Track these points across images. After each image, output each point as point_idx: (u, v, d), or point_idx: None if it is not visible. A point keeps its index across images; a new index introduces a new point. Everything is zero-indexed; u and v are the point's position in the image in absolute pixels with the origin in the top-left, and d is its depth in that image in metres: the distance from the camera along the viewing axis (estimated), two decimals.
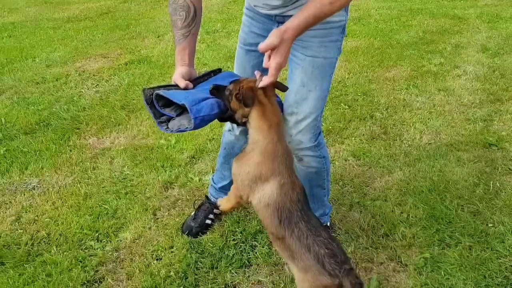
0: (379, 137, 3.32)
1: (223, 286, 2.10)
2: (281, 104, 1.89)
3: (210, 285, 2.10)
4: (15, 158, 3.16)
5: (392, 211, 2.54)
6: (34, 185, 2.87)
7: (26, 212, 2.62)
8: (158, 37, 5.92)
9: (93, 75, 4.71)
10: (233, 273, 2.17)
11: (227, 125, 2.23)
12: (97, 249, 2.34)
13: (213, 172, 2.58)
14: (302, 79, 1.87)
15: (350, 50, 5.07)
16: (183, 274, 2.16)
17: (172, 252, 2.31)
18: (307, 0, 1.56)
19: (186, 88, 1.73)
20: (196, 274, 2.16)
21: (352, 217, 2.51)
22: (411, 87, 4.14)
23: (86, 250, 2.33)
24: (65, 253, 2.31)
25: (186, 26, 1.84)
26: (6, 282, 2.13)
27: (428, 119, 3.56)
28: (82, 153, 3.22)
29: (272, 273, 2.17)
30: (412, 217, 2.49)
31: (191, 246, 2.33)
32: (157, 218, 2.55)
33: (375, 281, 2.08)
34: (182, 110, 1.67)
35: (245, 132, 1.97)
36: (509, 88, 4.06)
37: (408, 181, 2.79)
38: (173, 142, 3.27)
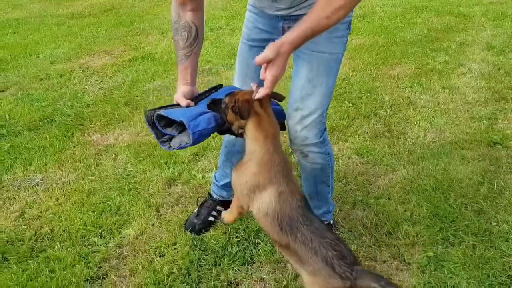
0: (383, 135, 3.31)
1: (225, 283, 2.10)
2: (282, 112, 1.90)
3: (213, 282, 2.10)
4: (19, 154, 3.17)
5: (396, 209, 2.53)
6: (38, 181, 2.88)
7: (29, 208, 2.63)
8: (162, 34, 5.92)
9: (97, 71, 4.71)
10: (236, 270, 2.17)
11: None
12: (100, 245, 2.34)
13: (216, 170, 2.57)
14: (308, 75, 1.87)
15: (354, 48, 5.05)
16: (186, 271, 2.17)
17: (175, 248, 2.31)
18: (313, 1, 1.56)
19: (187, 107, 1.77)
20: (199, 271, 2.17)
21: (355, 215, 2.50)
22: (415, 85, 4.13)
23: (90, 246, 2.34)
24: (68, 249, 2.31)
25: (188, 46, 1.88)
26: (10, 278, 2.13)
27: (433, 117, 3.55)
28: (86, 150, 3.22)
29: (275, 271, 2.16)
30: (415, 215, 2.48)
31: (194, 243, 2.33)
32: (160, 215, 2.56)
33: None
34: (182, 128, 1.70)
35: None
36: None
37: (412, 179, 2.78)
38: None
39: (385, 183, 2.77)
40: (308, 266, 1.57)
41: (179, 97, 1.83)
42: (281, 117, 1.89)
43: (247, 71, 2.05)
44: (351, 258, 1.55)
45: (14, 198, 2.73)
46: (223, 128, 1.75)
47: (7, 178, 2.92)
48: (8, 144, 3.29)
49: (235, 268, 2.18)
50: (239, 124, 1.69)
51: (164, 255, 2.27)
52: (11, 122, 3.63)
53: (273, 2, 1.85)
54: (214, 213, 2.48)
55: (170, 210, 2.59)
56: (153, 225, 2.48)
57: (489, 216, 2.46)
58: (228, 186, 2.45)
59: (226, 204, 2.51)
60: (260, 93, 1.59)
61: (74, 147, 3.27)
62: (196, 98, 1.86)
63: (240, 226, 2.42)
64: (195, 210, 2.51)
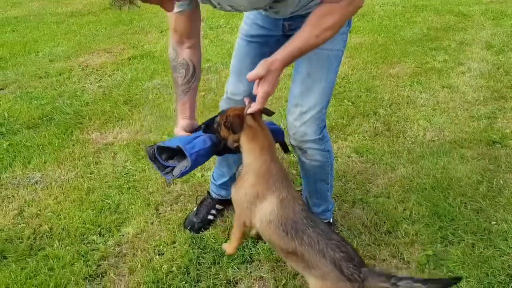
0: (383, 134, 3.31)
1: (225, 281, 2.10)
2: (280, 131, 1.95)
3: (212, 281, 2.10)
4: (18, 153, 3.16)
5: (395, 208, 2.53)
6: (37, 180, 2.88)
7: (28, 206, 2.63)
8: (161, 32, 5.91)
9: (96, 70, 4.71)
10: (235, 269, 2.17)
11: None
12: (99, 243, 2.34)
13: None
14: (308, 71, 1.87)
15: (354, 47, 5.05)
16: (185, 269, 2.16)
17: (174, 247, 2.31)
18: (311, 6, 1.57)
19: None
20: (198, 270, 2.17)
21: (355, 214, 2.50)
22: (415, 83, 4.13)
23: (89, 245, 2.34)
24: (67, 248, 2.31)
25: (186, 82, 1.92)
26: (9, 276, 2.13)
27: (432, 116, 3.54)
28: (85, 148, 3.22)
29: (274, 269, 2.16)
30: (415, 214, 2.48)
31: (193, 242, 2.33)
32: (160, 213, 2.55)
33: None
34: (183, 157, 1.75)
35: None
36: None
37: (411, 178, 2.78)
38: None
39: (384, 182, 2.77)
40: (316, 270, 1.55)
41: (179, 130, 1.89)
42: (279, 136, 1.92)
43: (242, 67, 2.05)
44: (357, 259, 1.54)
45: (13, 196, 2.73)
46: (219, 147, 1.81)
47: (6, 177, 2.91)
48: (7, 142, 3.28)
49: (234, 266, 2.18)
50: (233, 139, 1.74)
51: (163, 254, 2.27)
52: (10, 120, 3.62)
53: (274, 14, 1.86)
54: (213, 211, 2.48)
55: (169, 209, 2.59)
56: (152, 223, 2.47)
57: (488, 215, 2.46)
58: (226, 185, 2.45)
59: (225, 202, 2.51)
60: (252, 108, 1.65)
61: (73, 145, 3.26)
62: (195, 131, 1.91)
63: None
64: (194, 208, 2.51)
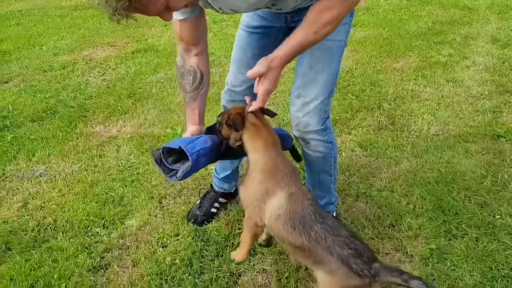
0: (387, 128, 3.30)
1: (228, 274, 2.11)
2: (288, 137, 1.96)
3: (215, 273, 2.10)
4: (22, 145, 3.17)
5: (399, 202, 2.52)
6: (41, 172, 2.89)
7: (33, 199, 2.64)
8: (165, 26, 5.89)
9: (100, 63, 4.71)
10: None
11: None
12: (103, 236, 2.35)
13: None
14: (309, 62, 1.87)
15: (358, 40, 5.02)
16: (188, 262, 2.17)
17: (177, 239, 2.31)
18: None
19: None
20: (201, 262, 2.17)
21: (358, 208, 2.50)
22: (419, 77, 4.11)
23: (92, 237, 2.35)
24: (71, 240, 2.32)
25: (194, 89, 1.94)
26: (13, 268, 2.14)
27: (436, 110, 3.53)
28: (89, 141, 3.22)
29: (277, 262, 2.17)
30: (418, 208, 2.47)
31: (196, 234, 2.33)
32: (163, 206, 2.56)
33: None
34: (187, 160, 1.76)
35: None
36: None
37: (415, 172, 2.77)
38: (179, 131, 3.27)
39: (388, 175, 2.76)
40: (325, 265, 1.55)
41: (187, 136, 1.91)
42: (288, 143, 1.92)
43: (242, 58, 2.05)
44: (368, 254, 1.53)
45: (17, 188, 2.74)
46: (221, 148, 1.82)
47: (10, 169, 2.92)
48: (11, 135, 3.30)
49: None
50: (235, 137, 1.76)
51: (166, 246, 2.27)
52: (14, 113, 3.63)
53: (276, 11, 1.85)
54: (216, 204, 2.48)
55: (172, 202, 2.59)
56: (155, 216, 2.48)
57: (492, 209, 2.45)
58: (228, 179, 2.45)
59: (228, 196, 2.51)
60: (253, 106, 1.66)
61: (77, 138, 3.27)
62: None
63: (242, 218, 2.41)
64: (198, 201, 2.51)
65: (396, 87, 3.92)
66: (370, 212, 2.45)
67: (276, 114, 1.88)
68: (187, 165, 1.72)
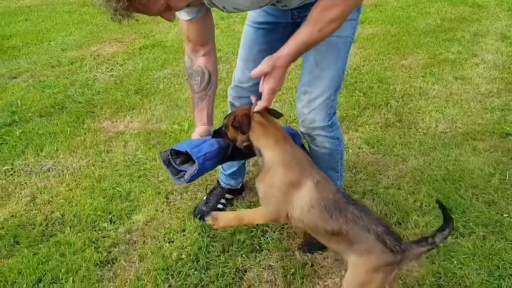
0: (394, 125, 3.28)
1: (234, 269, 2.11)
2: (297, 135, 1.95)
3: (221, 269, 2.11)
4: (30, 140, 3.19)
5: (405, 199, 2.52)
6: (49, 167, 2.90)
7: (40, 193, 2.66)
8: (173, 22, 5.89)
9: (108, 59, 4.73)
10: (244, 258, 2.18)
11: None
12: (110, 230, 2.36)
13: None
14: (315, 58, 1.86)
15: (366, 37, 5.00)
16: (194, 257, 2.18)
17: (184, 235, 2.32)
18: None
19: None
20: (207, 258, 2.18)
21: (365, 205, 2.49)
22: (427, 75, 4.08)
23: (100, 232, 2.36)
24: (78, 234, 2.33)
25: (202, 90, 1.95)
26: (21, 261, 2.16)
27: (444, 107, 3.51)
28: (97, 136, 3.24)
29: (283, 258, 2.17)
30: (425, 205, 2.46)
31: (203, 230, 2.34)
32: (170, 202, 2.57)
33: None
34: (194, 162, 1.77)
35: None
36: None
37: (423, 169, 2.76)
38: (186, 127, 3.28)
39: (395, 173, 2.75)
40: (361, 245, 1.56)
41: (196, 136, 1.92)
42: (297, 142, 1.92)
43: (249, 54, 2.05)
44: (395, 233, 1.59)
45: (26, 183, 2.76)
46: (228, 151, 1.82)
47: (19, 164, 2.95)
48: (20, 130, 3.32)
49: (243, 255, 2.19)
50: (241, 139, 1.76)
51: (173, 241, 2.28)
52: (23, 109, 3.65)
53: (282, 7, 1.85)
54: (222, 201, 2.49)
55: (179, 197, 2.60)
56: (162, 211, 2.49)
57: (500, 207, 2.44)
58: (235, 175, 2.46)
59: (234, 192, 2.52)
60: (259, 106, 1.66)
61: (85, 133, 3.29)
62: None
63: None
64: (204, 197, 2.52)
65: (404, 84, 3.90)
66: (377, 210, 2.44)
67: (282, 115, 1.87)
68: (193, 168, 1.73)
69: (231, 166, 2.44)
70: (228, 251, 2.21)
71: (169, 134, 3.22)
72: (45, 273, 2.10)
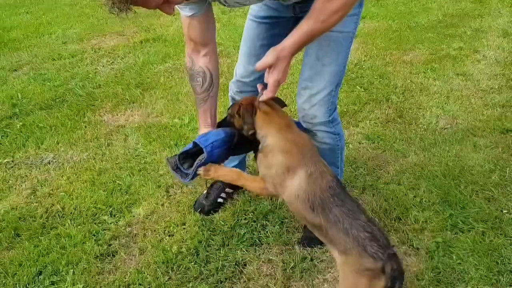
0: (395, 121, 3.28)
1: (233, 263, 2.12)
2: (299, 125, 1.95)
3: (221, 262, 2.12)
4: (31, 133, 3.19)
5: (405, 194, 2.52)
6: (50, 160, 2.91)
7: (41, 186, 2.66)
8: (174, 15, 5.87)
9: (109, 52, 4.72)
10: (243, 251, 2.18)
11: None
12: (110, 223, 2.37)
13: None
14: (317, 53, 1.86)
15: (367, 32, 4.99)
16: (194, 251, 2.19)
17: (184, 228, 2.33)
18: None
19: None
20: (207, 251, 2.19)
21: (365, 200, 2.50)
22: (428, 70, 4.07)
23: (100, 224, 2.37)
24: (79, 227, 2.34)
25: (204, 91, 1.96)
26: (22, 253, 2.17)
27: (445, 103, 3.50)
28: (97, 130, 3.24)
29: (283, 252, 2.17)
30: (425, 201, 2.46)
31: (203, 224, 2.35)
32: (170, 195, 2.57)
33: None
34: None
35: None
36: None
37: (423, 165, 2.76)
38: (187, 121, 3.28)
39: (395, 168, 2.75)
40: (339, 246, 1.57)
41: None
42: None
43: (251, 48, 2.05)
44: (383, 241, 1.54)
45: (26, 176, 2.77)
46: (234, 139, 1.83)
47: (19, 156, 2.95)
48: (21, 123, 3.32)
49: (243, 249, 2.20)
50: (248, 126, 1.77)
51: (173, 235, 2.29)
52: (23, 101, 3.65)
53: (283, 1, 1.85)
54: (223, 195, 2.49)
55: (179, 191, 2.60)
56: (162, 205, 2.49)
57: (500, 203, 2.44)
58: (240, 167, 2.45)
59: (234, 186, 2.51)
60: (264, 96, 1.67)
61: (85, 127, 3.29)
62: None
63: (248, 208, 2.43)
64: (204, 191, 2.52)
65: (405, 80, 3.90)
66: (377, 205, 2.44)
67: (286, 105, 1.89)
68: (202, 157, 1.74)
69: (231, 161, 2.44)
70: (228, 245, 2.22)
71: (170, 128, 3.22)
72: (46, 265, 2.11)
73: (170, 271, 2.09)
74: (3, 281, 2.04)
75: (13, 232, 2.31)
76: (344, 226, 1.55)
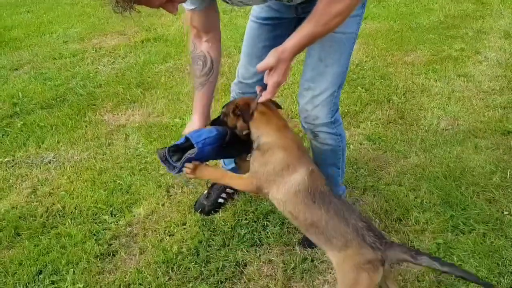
0: (396, 122, 3.28)
1: (234, 263, 2.12)
2: None
3: (221, 262, 2.11)
4: (31, 132, 3.19)
5: (406, 196, 2.51)
6: (50, 159, 2.91)
7: (42, 185, 2.66)
8: (175, 15, 5.87)
9: (110, 52, 4.72)
10: (244, 252, 2.18)
11: None
12: (111, 223, 2.37)
13: None
14: (319, 54, 1.86)
15: (369, 33, 4.98)
16: (195, 251, 2.18)
17: (184, 228, 2.33)
18: None
19: None
20: (207, 251, 2.18)
21: (366, 201, 2.49)
22: (430, 72, 4.07)
23: (100, 224, 2.36)
24: (79, 226, 2.34)
25: (204, 75, 1.96)
26: (22, 252, 2.17)
27: (447, 104, 3.50)
28: (98, 129, 3.24)
29: (283, 253, 2.17)
30: (426, 202, 2.46)
31: (203, 224, 2.34)
32: (170, 195, 2.57)
33: None
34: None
35: None
36: None
37: (424, 166, 2.76)
38: (188, 121, 3.26)
39: (396, 169, 2.75)
40: (339, 240, 1.58)
41: (192, 125, 1.97)
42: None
43: (253, 50, 2.05)
44: (378, 232, 1.59)
45: (27, 175, 2.77)
46: (227, 138, 1.83)
47: (20, 155, 2.95)
48: (21, 122, 3.32)
49: (243, 249, 2.19)
50: (241, 125, 1.79)
51: (173, 235, 2.29)
52: (24, 101, 3.65)
53: (287, 2, 1.84)
54: (223, 195, 2.48)
55: (180, 191, 2.60)
56: (163, 205, 2.49)
57: (501, 205, 2.43)
58: (236, 170, 2.45)
59: None
60: (263, 97, 1.68)
61: (86, 126, 3.29)
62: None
63: (249, 208, 2.43)
64: (205, 191, 2.51)
65: (406, 81, 3.89)
66: (378, 206, 2.44)
67: (281, 108, 1.92)
68: (192, 151, 1.75)
69: (231, 162, 2.44)
70: (229, 245, 2.22)
71: (171, 128, 3.22)
72: (46, 265, 2.11)
73: (170, 271, 2.09)
74: (3, 280, 2.04)
75: (13, 231, 2.31)
76: (344, 216, 1.60)
